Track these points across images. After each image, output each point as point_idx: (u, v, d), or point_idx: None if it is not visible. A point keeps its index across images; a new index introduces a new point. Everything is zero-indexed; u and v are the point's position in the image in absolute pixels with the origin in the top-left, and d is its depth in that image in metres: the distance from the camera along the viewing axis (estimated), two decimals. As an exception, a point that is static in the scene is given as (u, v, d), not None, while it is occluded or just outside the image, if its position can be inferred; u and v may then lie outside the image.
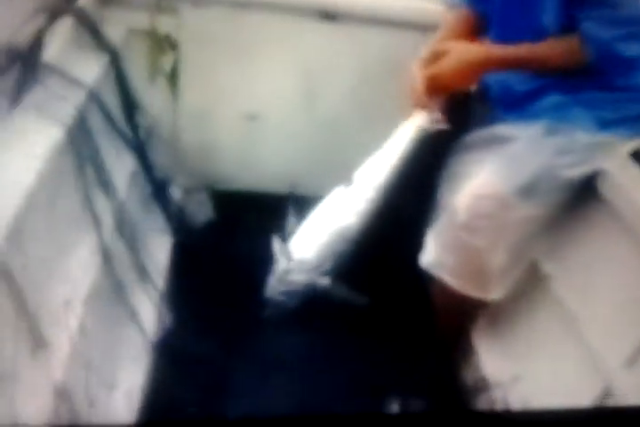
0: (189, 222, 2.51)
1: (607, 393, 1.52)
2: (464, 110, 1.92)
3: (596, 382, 1.56)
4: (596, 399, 1.54)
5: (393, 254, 1.99)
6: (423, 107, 1.84)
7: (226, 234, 2.48)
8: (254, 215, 2.45)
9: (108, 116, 2.00)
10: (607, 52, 1.67)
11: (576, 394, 1.59)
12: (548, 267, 1.85)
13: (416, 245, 1.87)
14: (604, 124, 1.75)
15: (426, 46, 1.95)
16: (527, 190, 1.72)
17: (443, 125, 1.87)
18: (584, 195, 1.77)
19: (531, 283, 1.88)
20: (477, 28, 1.97)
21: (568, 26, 1.72)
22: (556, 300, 1.79)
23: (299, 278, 1.98)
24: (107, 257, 1.72)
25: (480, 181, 1.77)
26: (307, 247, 1.97)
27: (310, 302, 1.99)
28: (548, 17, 1.74)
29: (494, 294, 1.85)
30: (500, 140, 1.83)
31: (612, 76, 1.74)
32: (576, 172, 1.74)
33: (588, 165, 1.74)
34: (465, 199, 1.77)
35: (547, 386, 1.70)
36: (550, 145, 1.76)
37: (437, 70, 1.82)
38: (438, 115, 1.85)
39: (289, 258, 1.98)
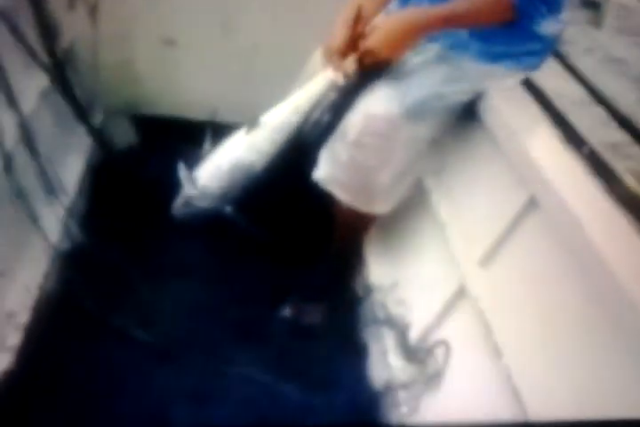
0: (109, 145, 2.59)
1: (462, 290, 1.67)
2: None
3: (454, 281, 1.71)
4: (452, 295, 1.70)
5: (295, 189, 2.08)
6: (336, 66, 1.86)
7: (144, 158, 2.56)
8: (174, 141, 2.53)
9: (20, 37, 2.05)
10: None
11: (438, 294, 1.75)
12: (430, 183, 1.99)
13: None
14: (494, 56, 1.85)
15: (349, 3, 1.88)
16: (415, 112, 1.83)
17: (353, 81, 1.86)
18: (468, 118, 1.89)
19: (415, 198, 2.01)
20: None
21: None
22: (433, 212, 1.93)
23: (202, 204, 2.07)
24: (7, 164, 1.80)
25: (372, 102, 1.87)
26: (211, 177, 2.06)
27: (213, 224, 2.11)
28: None
29: (380, 208, 1.98)
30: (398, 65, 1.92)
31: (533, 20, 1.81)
32: (462, 97, 1.86)
33: (474, 91, 1.86)
34: (357, 118, 1.86)
35: (416, 288, 1.85)
36: (440, 71, 1.86)
37: (369, 45, 1.77)
38: (350, 73, 1.86)
39: (194, 185, 2.07)
